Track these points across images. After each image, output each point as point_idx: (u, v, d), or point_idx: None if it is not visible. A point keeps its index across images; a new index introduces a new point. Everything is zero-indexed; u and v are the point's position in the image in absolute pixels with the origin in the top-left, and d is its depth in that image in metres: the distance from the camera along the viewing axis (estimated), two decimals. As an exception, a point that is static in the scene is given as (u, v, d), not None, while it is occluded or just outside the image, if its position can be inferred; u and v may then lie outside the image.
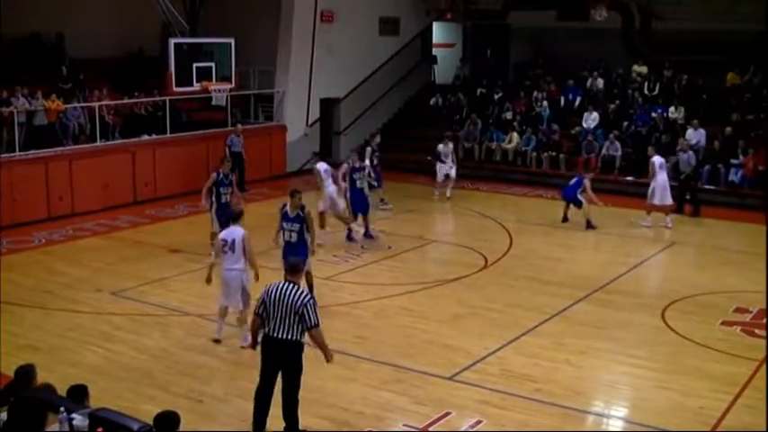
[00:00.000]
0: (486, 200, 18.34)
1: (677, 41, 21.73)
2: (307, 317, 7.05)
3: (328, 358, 7.37)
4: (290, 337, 7.09)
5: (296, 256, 7.53)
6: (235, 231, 9.73)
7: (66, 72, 19.11)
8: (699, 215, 17.16)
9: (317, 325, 7.12)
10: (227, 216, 10.90)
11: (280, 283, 7.20)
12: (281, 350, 7.14)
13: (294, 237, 10.61)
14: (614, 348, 9.93)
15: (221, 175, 13.15)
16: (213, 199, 13.13)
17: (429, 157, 19.32)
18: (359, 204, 14.69)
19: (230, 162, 14.20)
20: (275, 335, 7.11)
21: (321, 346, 7.26)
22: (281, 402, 7.29)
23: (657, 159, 16.27)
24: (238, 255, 9.56)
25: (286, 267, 7.47)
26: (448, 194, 18.38)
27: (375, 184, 16.57)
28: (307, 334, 7.18)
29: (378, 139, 17.83)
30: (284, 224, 10.70)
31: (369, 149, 16.79)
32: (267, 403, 7.33)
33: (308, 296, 7.21)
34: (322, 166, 15.13)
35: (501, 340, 10.03)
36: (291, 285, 7.16)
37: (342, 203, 14.61)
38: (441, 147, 18.47)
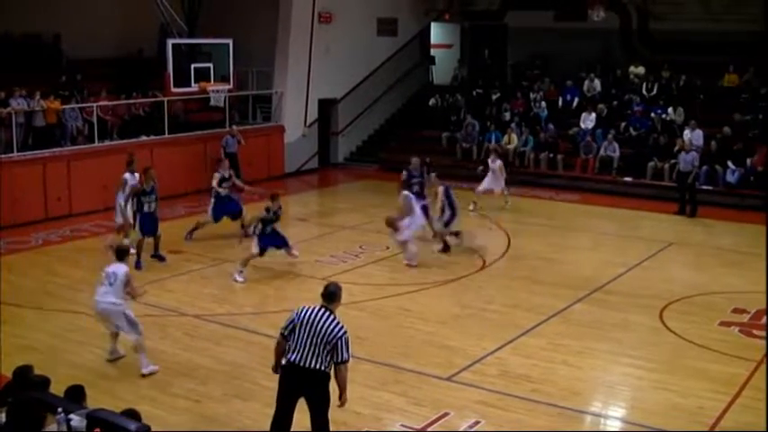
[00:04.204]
0: (485, 200, 18.30)
1: (676, 42, 21.77)
2: (339, 350, 6.51)
3: (344, 401, 6.70)
4: (318, 366, 6.54)
5: (333, 284, 6.84)
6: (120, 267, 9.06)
7: (64, 74, 19.10)
8: (696, 215, 17.18)
9: (347, 360, 6.59)
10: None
11: (314, 308, 6.65)
12: (308, 380, 6.59)
13: (153, 206, 13.17)
14: (612, 349, 9.94)
15: (222, 177, 14.66)
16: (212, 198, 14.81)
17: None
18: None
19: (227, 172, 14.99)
20: (302, 363, 6.54)
21: (343, 383, 6.63)
22: None
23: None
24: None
25: (324, 293, 6.76)
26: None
27: None
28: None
29: None
30: (143, 198, 13.09)
31: None
32: None
33: (344, 330, 6.57)
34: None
35: (499, 341, 10.04)
36: (327, 313, 6.61)
37: None
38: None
